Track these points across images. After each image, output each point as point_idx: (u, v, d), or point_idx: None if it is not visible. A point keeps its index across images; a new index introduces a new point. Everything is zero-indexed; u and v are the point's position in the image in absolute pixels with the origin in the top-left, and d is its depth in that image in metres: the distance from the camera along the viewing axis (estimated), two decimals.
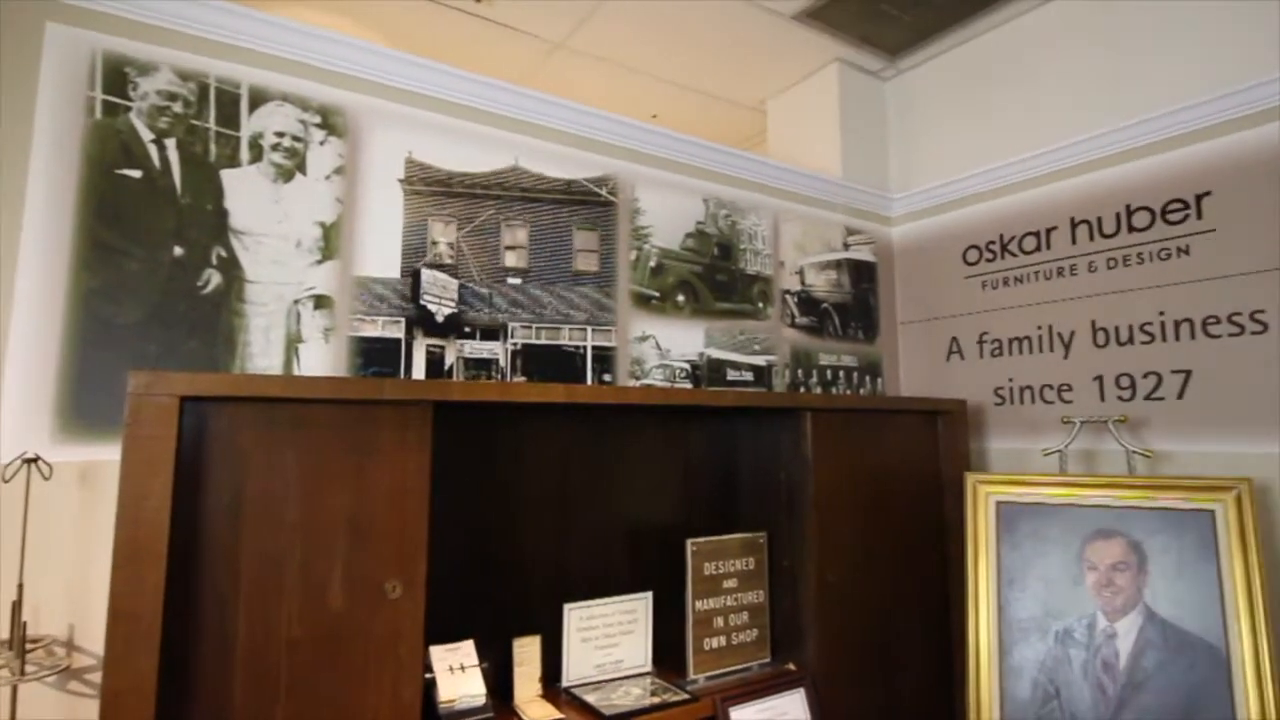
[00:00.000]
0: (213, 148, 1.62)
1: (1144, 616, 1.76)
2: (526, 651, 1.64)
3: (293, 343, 1.66)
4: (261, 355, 1.62)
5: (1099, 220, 2.28)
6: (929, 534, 2.21)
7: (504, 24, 2.63)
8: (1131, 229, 2.20)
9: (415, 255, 1.85)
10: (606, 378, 2.10)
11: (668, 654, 1.83)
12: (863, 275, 2.76)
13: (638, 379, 2.16)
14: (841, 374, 2.62)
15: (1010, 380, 2.43)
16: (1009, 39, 2.57)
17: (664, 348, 2.23)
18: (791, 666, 1.88)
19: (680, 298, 2.29)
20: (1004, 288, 2.48)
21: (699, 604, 1.82)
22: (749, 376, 2.39)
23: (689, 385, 2.26)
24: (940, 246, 2.70)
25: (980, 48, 2.65)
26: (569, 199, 2.12)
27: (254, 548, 1.26)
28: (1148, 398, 2.10)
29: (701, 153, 2.40)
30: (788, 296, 2.55)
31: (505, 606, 1.76)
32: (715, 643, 1.83)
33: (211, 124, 1.62)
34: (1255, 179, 1.96)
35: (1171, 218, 2.12)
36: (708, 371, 2.31)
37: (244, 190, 1.64)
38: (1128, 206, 2.22)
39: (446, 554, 1.62)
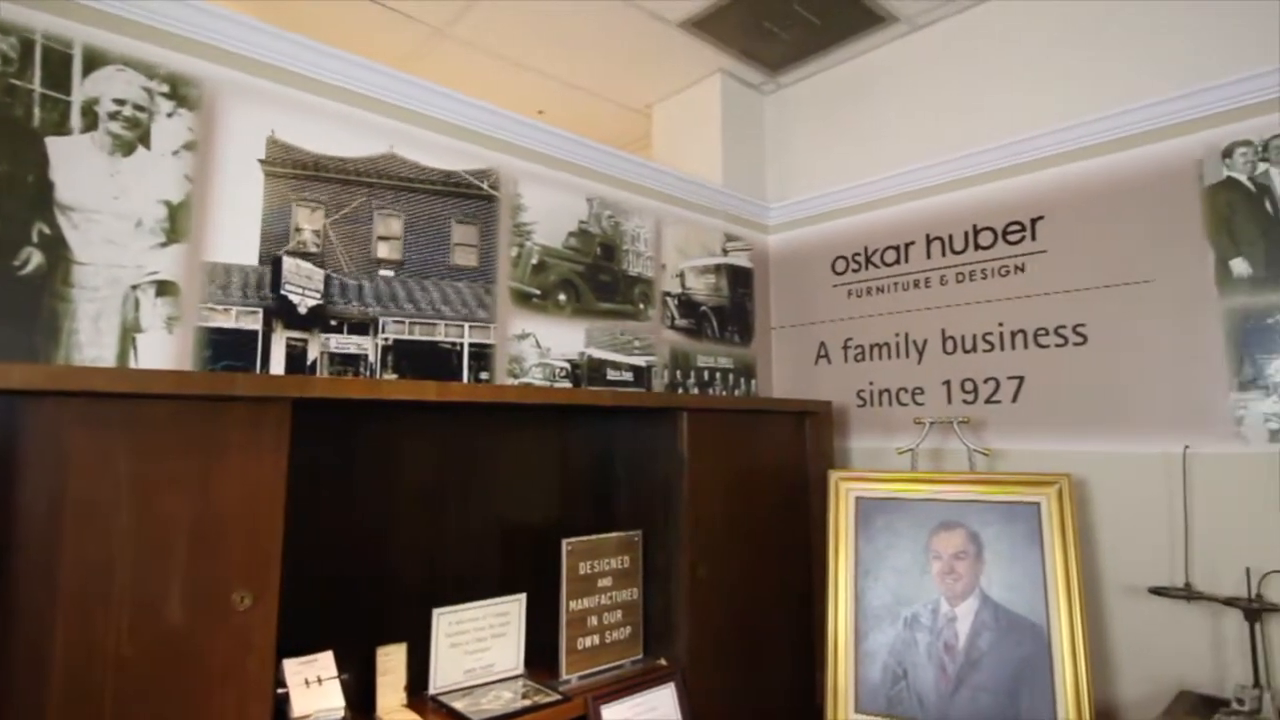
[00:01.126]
0: (36, 111, 1.44)
1: (980, 600, 1.93)
2: (391, 660, 1.57)
3: (129, 332, 1.51)
4: (91, 345, 1.46)
5: (950, 237, 2.47)
6: (796, 528, 2.32)
7: (384, 4, 2.52)
8: (977, 247, 2.41)
9: (277, 242, 1.74)
10: (484, 376, 2.06)
11: (542, 655, 1.82)
12: (740, 280, 2.86)
13: (516, 377, 2.13)
14: (718, 375, 2.71)
15: (871, 383, 2.60)
16: (878, 65, 2.74)
17: (544, 346, 2.21)
18: (662, 662, 1.92)
19: (562, 296, 2.28)
20: (867, 297, 2.65)
21: (573, 604, 1.82)
22: (629, 376, 2.42)
23: (569, 384, 2.25)
24: (812, 256, 2.85)
25: (852, 71, 2.82)
26: (448, 191, 2.06)
27: (76, 557, 1.13)
28: (988, 401, 2.31)
29: (586, 152, 2.40)
30: (668, 299, 2.60)
31: (370, 614, 1.68)
32: (589, 642, 1.83)
33: (36, 85, 1.45)
34: (1081, 206, 2.20)
35: (1011, 238, 2.34)
36: (588, 371, 2.32)
37: (73, 161, 1.47)
38: (974, 226, 2.42)
39: (306, 561, 1.52)
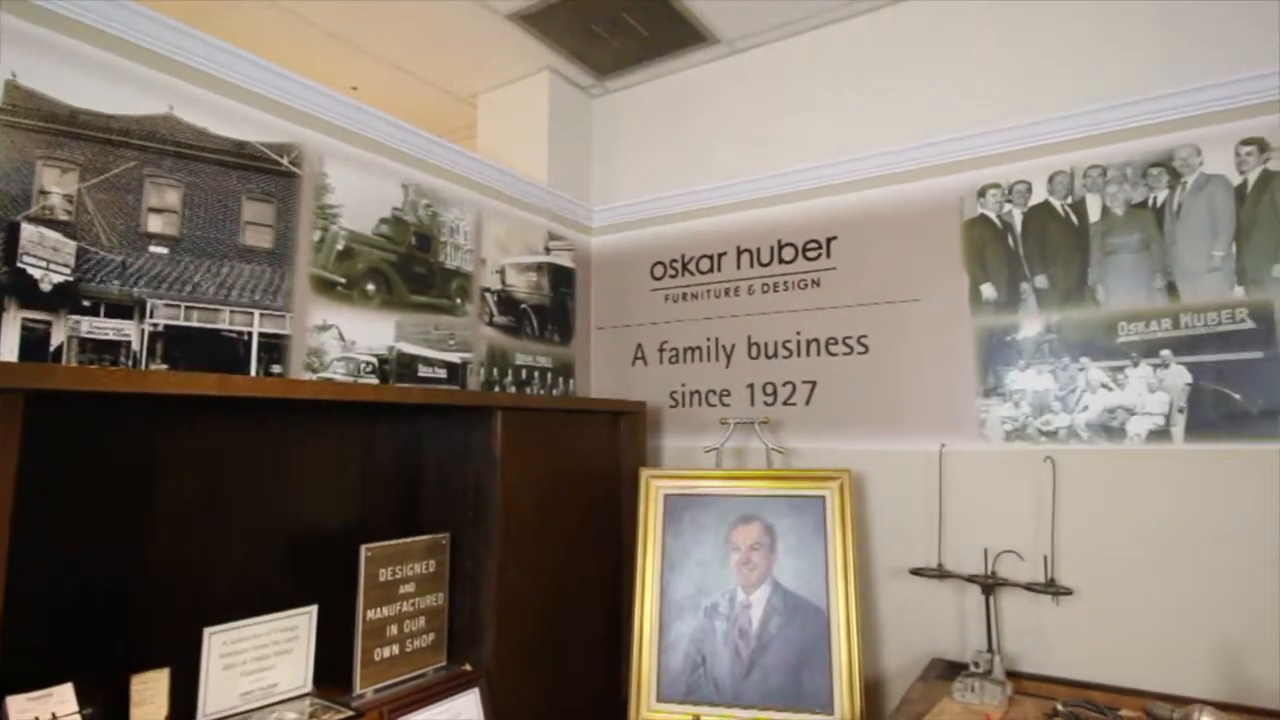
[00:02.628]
0: None
1: (772, 588, 2.08)
2: (149, 689, 1.39)
3: None
4: None
5: (758, 250, 2.65)
6: (609, 526, 2.37)
7: None
8: (781, 261, 2.60)
9: (13, 205, 1.47)
10: (276, 369, 1.88)
11: (339, 671, 1.70)
12: (562, 280, 2.87)
13: (316, 372, 1.98)
14: (536, 374, 2.69)
15: (683, 385, 2.72)
16: (702, 82, 2.87)
17: (349, 339, 2.07)
18: (467, 667, 1.87)
19: (370, 286, 2.15)
20: (683, 302, 2.77)
21: (371, 613, 1.72)
22: (442, 374, 2.33)
23: (375, 380, 2.13)
24: (633, 260, 2.92)
25: (678, 84, 2.93)
26: (240, 163, 1.86)
27: None
28: (785, 403, 2.51)
29: (404, 136, 2.28)
30: (487, 295, 2.54)
31: (126, 638, 1.47)
32: (387, 652, 1.74)
33: None
34: (867, 230, 2.45)
35: (810, 254, 2.56)
36: (397, 367, 2.20)
37: None
38: (779, 241, 2.62)
39: (43, 580, 1.31)
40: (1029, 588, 1.98)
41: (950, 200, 2.32)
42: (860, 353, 2.41)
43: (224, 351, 1.78)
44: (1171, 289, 1.99)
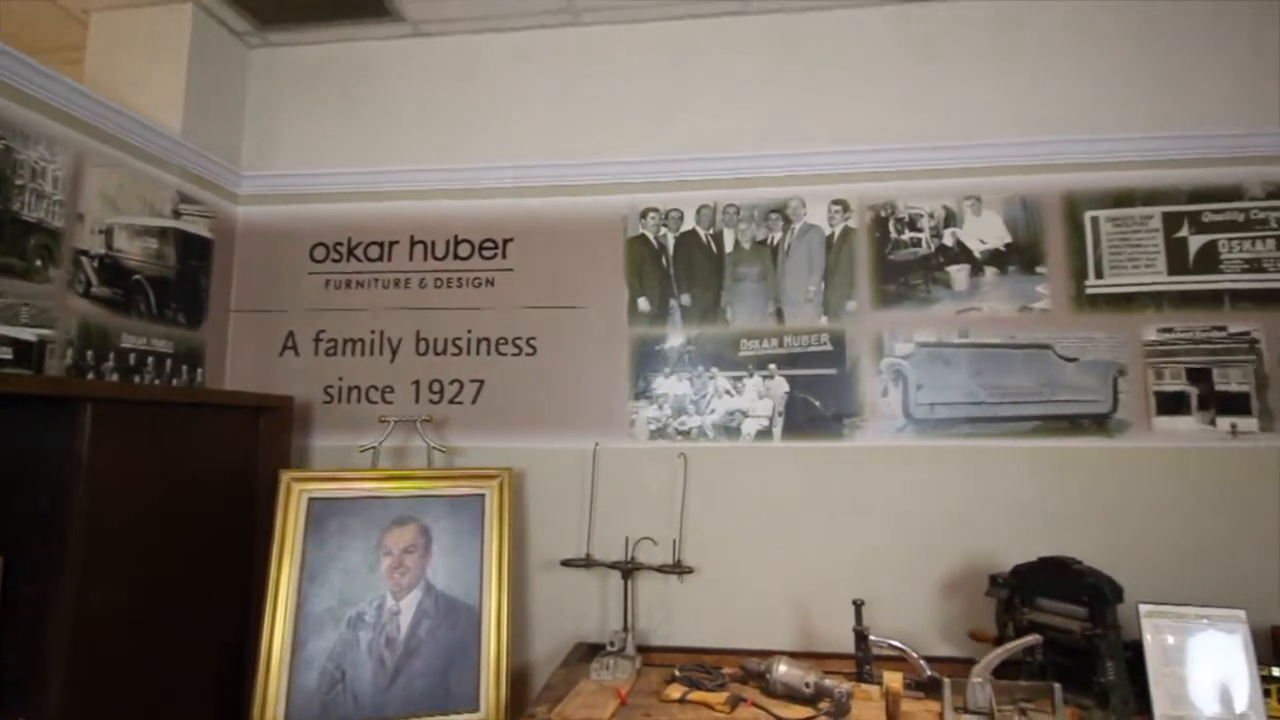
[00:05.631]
0: None
1: (424, 591, 2.02)
2: None
3: None
4: None
5: (433, 243, 2.57)
6: (241, 539, 2.07)
7: None
8: (456, 257, 2.56)
9: None
10: None
11: None
12: (195, 251, 2.45)
13: None
14: (151, 360, 2.25)
15: (341, 379, 2.51)
16: (387, 58, 2.67)
17: None
18: None
19: None
20: (346, 290, 2.56)
21: None
22: (7, 354, 1.82)
23: None
24: (289, 237, 2.62)
25: (359, 54, 2.69)
26: None
27: None
28: (451, 401, 2.46)
29: None
30: (85, 259, 2.06)
31: None
32: None
33: None
34: (543, 236, 2.53)
35: (486, 253, 2.55)
36: None
37: None
38: (456, 237, 2.57)
39: None
40: (660, 569, 2.22)
41: (616, 218, 2.51)
42: (529, 354, 2.47)
43: None
44: (779, 314, 2.40)
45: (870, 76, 2.46)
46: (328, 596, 1.97)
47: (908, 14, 2.46)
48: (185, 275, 2.40)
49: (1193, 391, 2.21)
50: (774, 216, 2.46)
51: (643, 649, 2.18)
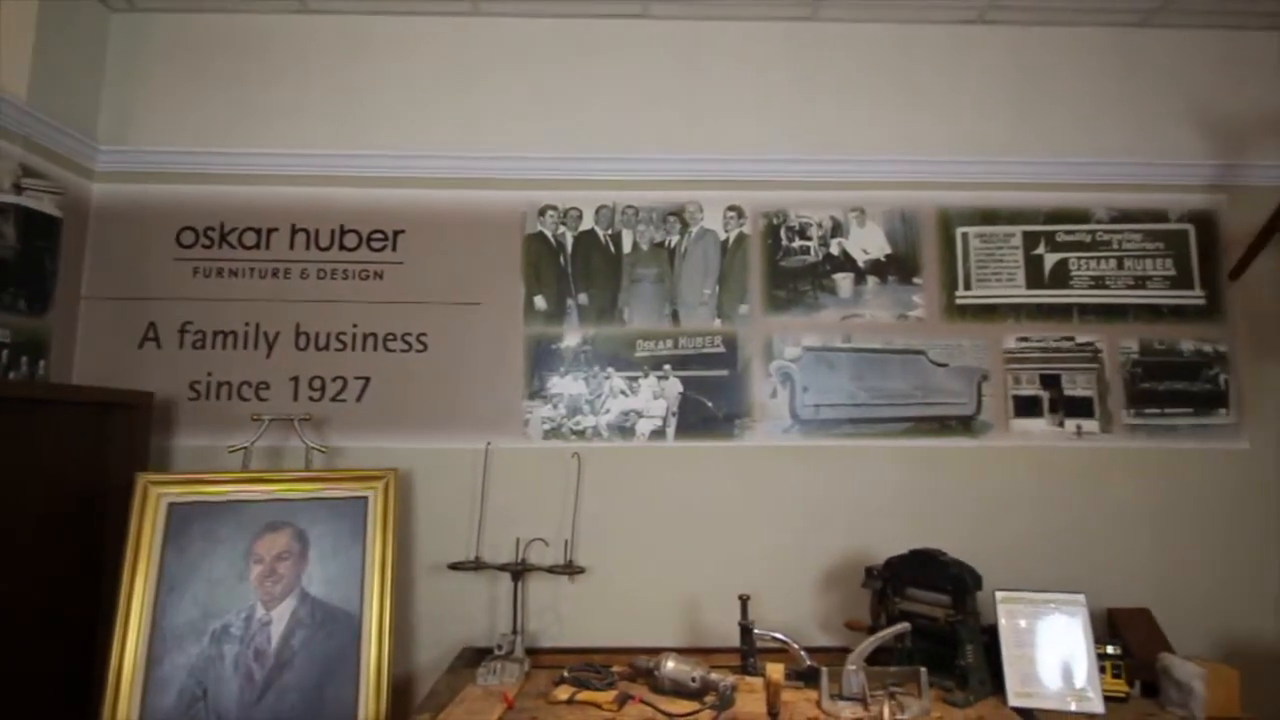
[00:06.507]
0: None
1: (298, 600, 1.91)
2: None
3: None
4: None
5: (317, 232, 2.43)
6: (87, 548, 1.89)
7: None
8: (343, 247, 2.43)
9: None
10: None
11: None
12: (39, 230, 2.20)
13: None
14: None
15: (210, 375, 2.33)
16: (264, 30, 2.50)
17: None
18: None
19: None
20: (217, 278, 2.38)
21: None
22: None
23: None
24: (152, 219, 2.41)
25: (238, 26, 2.51)
26: None
27: None
28: (334, 399, 2.34)
29: None
30: None
31: None
32: None
33: None
34: (436, 229, 2.45)
35: (375, 245, 2.44)
36: None
37: None
38: (342, 226, 2.44)
39: None
40: (551, 570, 2.20)
41: (514, 214, 2.47)
42: (419, 350, 2.39)
43: None
44: (675, 316, 2.43)
45: (765, 89, 2.53)
46: (189, 608, 1.83)
47: (800, 32, 2.56)
48: (27, 257, 2.15)
49: (1045, 396, 2.42)
50: (672, 219, 2.49)
51: (533, 651, 2.15)
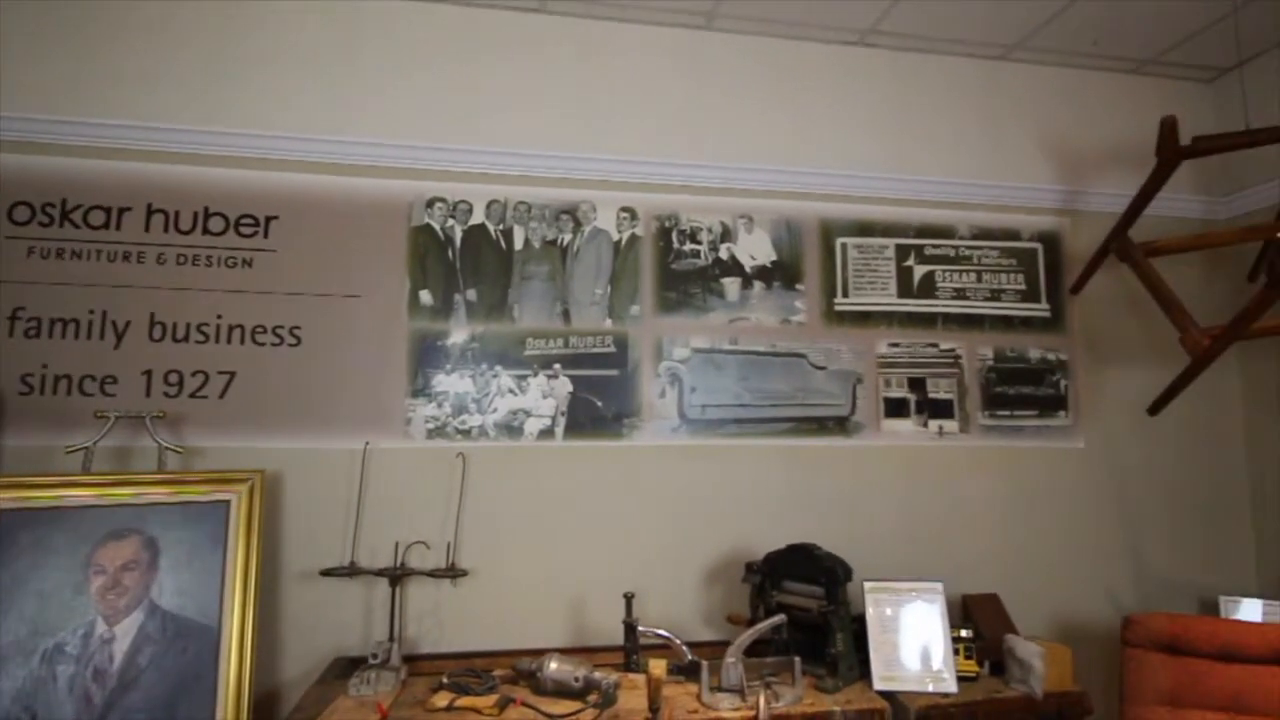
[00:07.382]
0: None
1: (146, 613, 1.75)
2: None
3: None
4: None
5: (177, 214, 2.24)
6: None
7: None
8: (207, 231, 2.25)
9: None
10: None
11: None
12: None
13: None
14: None
15: (46, 367, 2.09)
16: None
17: None
18: None
19: None
20: (57, 260, 2.14)
21: None
22: None
23: None
24: None
25: None
26: None
27: None
28: (193, 395, 2.16)
29: None
30: None
31: None
32: None
33: None
34: (313, 216, 2.31)
35: (243, 230, 2.28)
36: None
37: None
38: (206, 209, 2.26)
39: None
40: (432, 574, 2.13)
41: (400, 204, 2.37)
42: (292, 344, 2.25)
43: None
44: (566, 315, 2.42)
45: (660, 93, 2.57)
46: (15, 626, 1.63)
47: (695, 40, 2.61)
48: None
49: (912, 398, 2.59)
50: (565, 218, 2.47)
51: (411, 658, 2.07)
